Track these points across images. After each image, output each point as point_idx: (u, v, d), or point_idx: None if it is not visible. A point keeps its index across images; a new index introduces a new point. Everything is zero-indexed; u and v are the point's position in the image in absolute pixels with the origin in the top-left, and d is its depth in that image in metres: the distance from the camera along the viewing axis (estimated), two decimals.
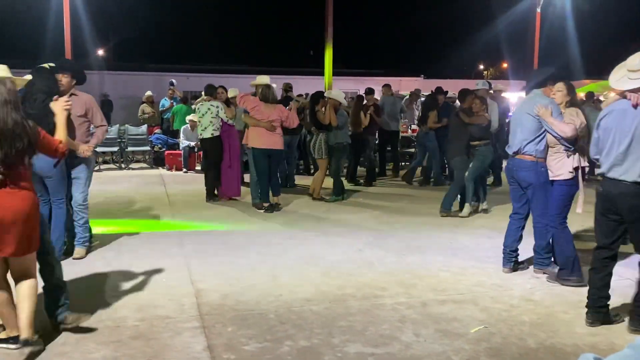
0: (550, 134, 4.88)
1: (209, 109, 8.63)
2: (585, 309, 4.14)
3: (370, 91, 11.30)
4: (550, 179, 4.98)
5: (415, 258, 5.74)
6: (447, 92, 11.16)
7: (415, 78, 27.01)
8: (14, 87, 3.43)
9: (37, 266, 3.69)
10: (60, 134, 3.65)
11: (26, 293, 3.47)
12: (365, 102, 10.91)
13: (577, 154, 4.85)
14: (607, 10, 31.65)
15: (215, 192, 8.86)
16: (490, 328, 3.99)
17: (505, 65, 46.91)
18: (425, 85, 22.88)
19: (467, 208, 7.77)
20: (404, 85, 24.91)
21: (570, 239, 4.96)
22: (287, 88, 10.90)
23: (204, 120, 8.62)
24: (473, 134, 7.57)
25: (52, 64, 5.26)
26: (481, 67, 49.77)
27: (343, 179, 10.23)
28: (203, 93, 9.03)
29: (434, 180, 10.60)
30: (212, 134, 8.64)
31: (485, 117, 7.72)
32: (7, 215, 3.29)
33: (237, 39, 45.77)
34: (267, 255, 5.79)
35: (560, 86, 4.96)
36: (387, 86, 12.16)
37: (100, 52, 33.69)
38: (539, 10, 19.72)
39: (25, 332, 3.41)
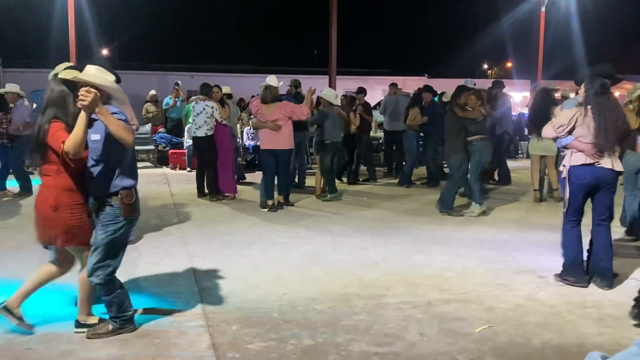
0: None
1: (204, 108, 8.69)
2: (633, 302, 4.08)
3: (360, 90, 11.23)
4: None
5: (419, 257, 5.72)
6: (437, 92, 10.98)
7: (419, 77, 27.03)
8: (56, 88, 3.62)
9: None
10: (71, 134, 3.43)
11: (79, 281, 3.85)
12: (358, 102, 10.90)
13: (569, 151, 4.82)
14: (612, 9, 31.53)
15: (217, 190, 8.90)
16: (495, 327, 3.98)
17: (509, 64, 46.81)
18: (430, 85, 22.82)
19: (477, 208, 7.74)
20: (408, 85, 24.88)
21: (571, 239, 4.89)
22: (296, 84, 10.83)
23: (199, 119, 8.67)
24: (469, 128, 7.57)
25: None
26: (485, 66, 49.66)
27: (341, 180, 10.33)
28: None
29: (399, 180, 10.59)
30: (205, 133, 8.69)
31: (481, 112, 7.65)
32: (35, 206, 3.70)
33: (242, 38, 45.83)
34: (271, 255, 5.79)
35: (583, 85, 4.94)
36: (391, 85, 12.13)
37: (105, 51, 33.77)
38: (543, 9, 19.65)
39: (79, 316, 3.87)
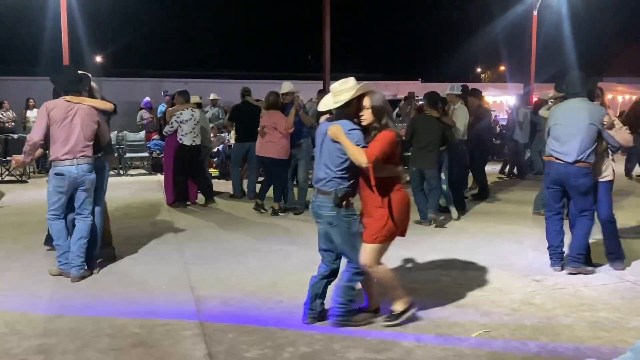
0: (607, 141, 5.13)
1: (200, 117, 8.70)
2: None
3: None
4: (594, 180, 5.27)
5: (415, 263, 5.73)
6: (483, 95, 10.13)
7: (413, 82, 27.05)
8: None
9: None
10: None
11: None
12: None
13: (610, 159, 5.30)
14: (603, 13, 31.76)
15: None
16: (492, 332, 3.98)
17: (502, 68, 46.96)
18: (423, 89, 22.88)
19: (454, 212, 7.85)
20: (402, 89, 24.90)
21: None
22: (244, 93, 9.87)
23: (186, 126, 8.54)
24: (448, 138, 7.54)
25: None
26: (479, 69, 49.80)
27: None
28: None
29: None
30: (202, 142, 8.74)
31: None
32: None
33: (235, 44, 45.78)
34: (267, 261, 5.78)
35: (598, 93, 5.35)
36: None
37: (98, 58, 33.70)
38: (535, 13, 19.76)
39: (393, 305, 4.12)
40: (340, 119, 3.91)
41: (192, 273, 5.35)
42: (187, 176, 8.70)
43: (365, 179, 3.92)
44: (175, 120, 8.52)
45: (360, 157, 3.72)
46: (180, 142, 8.55)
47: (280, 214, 8.14)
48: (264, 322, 4.14)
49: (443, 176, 7.65)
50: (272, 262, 5.74)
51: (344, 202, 3.87)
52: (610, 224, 5.36)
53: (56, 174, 5.08)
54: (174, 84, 21.34)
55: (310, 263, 5.65)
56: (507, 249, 6.27)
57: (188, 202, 8.78)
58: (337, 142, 3.82)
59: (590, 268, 5.29)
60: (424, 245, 6.43)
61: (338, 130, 3.82)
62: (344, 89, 3.86)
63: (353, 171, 3.88)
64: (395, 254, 5.99)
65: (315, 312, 4.11)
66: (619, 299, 4.64)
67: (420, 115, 7.63)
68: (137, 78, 24.31)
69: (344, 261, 4.12)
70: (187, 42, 43.82)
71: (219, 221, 7.78)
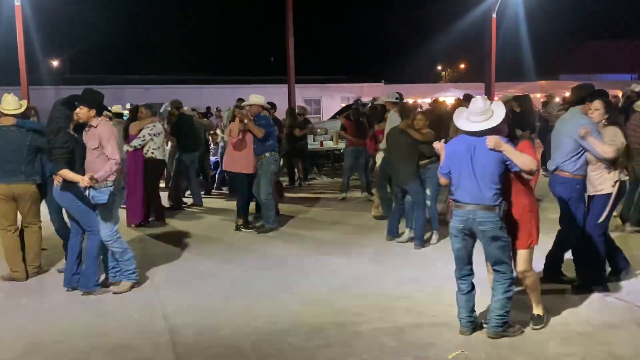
0: (591, 153, 4.99)
1: (161, 130, 8.55)
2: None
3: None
4: (592, 194, 5.13)
5: (389, 278, 5.74)
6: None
7: (376, 84, 27.21)
8: None
9: None
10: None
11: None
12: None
13: (617, 169, 5.02)
14: (559, 15, 32.62)
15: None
16: (468, 352, 4.02)
17: (462, 66, 47.68)
18: (386, 91, 23.08)
19: (435, 234, 7.22)
20: (365, 92, 25.04)
21: (602, 252, 5.15)
22: (176, 105, 9.98)
23: (159, 139, 8.37)
24: (424, 152, 6.86)
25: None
26: (439, 68, 50.41)
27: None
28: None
29: None
30: (164, 156, 8.62)
31: (433, 133, 6.95)
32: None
33: (197, 48, 45.30)
34: (240, 283, 5.71)
35: (597, 104, 5.04)
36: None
37: (55, 63, 32.83)
38: (494, 15, 20.14)
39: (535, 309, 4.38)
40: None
41: (163, 299, 5.23)
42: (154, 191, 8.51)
43: (517, 185, 4.16)
44: (149, 134, 8.22)
45: (532, 161, 4.00)
46: (153, 156, 8.21)
47: (244, 230, 7.94)
48: (242, 353, 4.09)
49: (428, 192, 7.05)
50: (244, 284, 5.67)
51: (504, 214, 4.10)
52: (595, 239, 5.10)
53: (124, 188, 5.51)
54: (134, 91, 20.99)
55: (284, 283, 5.65)
56: (480, 260, 6.28)
57: (143, 223, 8.29)
58: (499, 152, 4.00)
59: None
60: (395, 257, 6.45)
61: (500, 140, 4.02)
62: (488, 108, 4.10)
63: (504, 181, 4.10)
64: (368, 269, 5.99)
65: (475, 322, 4.33)
66: (588, 311, 4.74)
67: (394, 128, 7.29)
68: (96, 85, 23.75)
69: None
70: (148, 46, 43.11)
71: (186, 241, 7.53)
